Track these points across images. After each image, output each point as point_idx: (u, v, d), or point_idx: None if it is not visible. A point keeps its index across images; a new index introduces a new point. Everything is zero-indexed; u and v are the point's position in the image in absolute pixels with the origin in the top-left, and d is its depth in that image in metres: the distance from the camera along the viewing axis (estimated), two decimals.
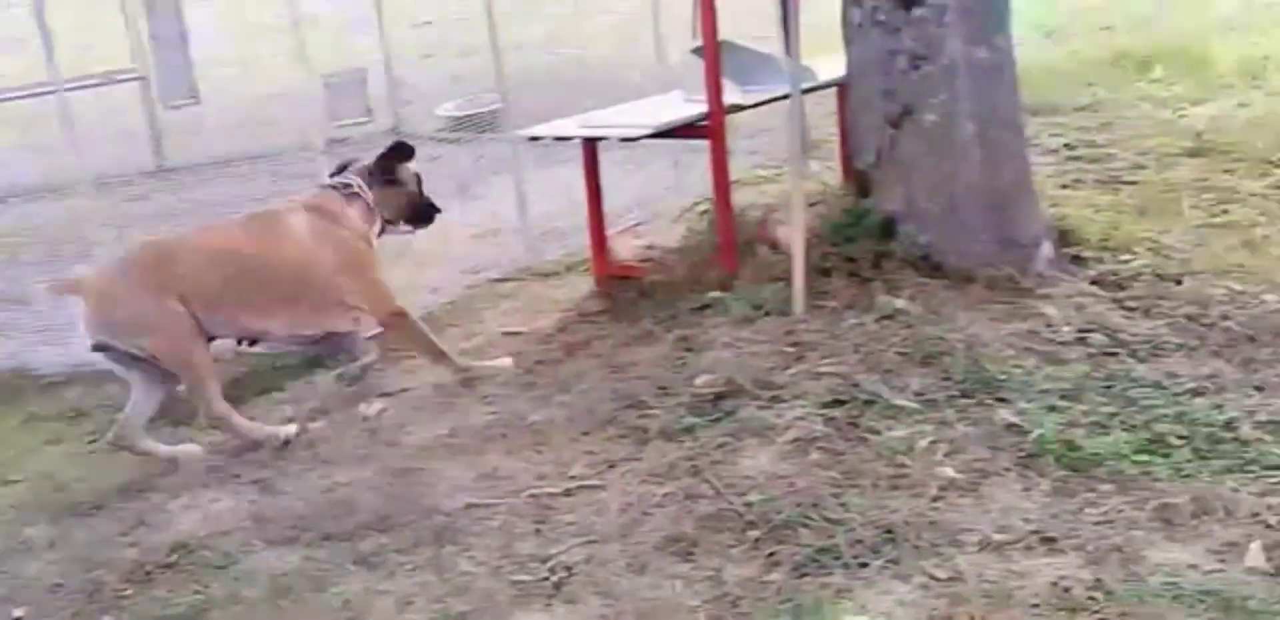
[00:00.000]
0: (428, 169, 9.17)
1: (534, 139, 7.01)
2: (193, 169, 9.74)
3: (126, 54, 10.65)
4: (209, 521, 4.97)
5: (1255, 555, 3.96)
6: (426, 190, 6.27)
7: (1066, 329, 5.61)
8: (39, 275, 7.95)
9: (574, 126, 6.76)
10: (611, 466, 4.96)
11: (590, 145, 6.84)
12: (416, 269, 7.56)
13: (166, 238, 6.00)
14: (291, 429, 5.61)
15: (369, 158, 6.16)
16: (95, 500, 5.29)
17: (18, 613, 4.52)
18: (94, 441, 5.81)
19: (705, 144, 6.61)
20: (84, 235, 7.21)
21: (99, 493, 5.36)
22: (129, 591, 4.56)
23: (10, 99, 9.96)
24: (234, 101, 11.71)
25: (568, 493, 4.81)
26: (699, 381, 5.43)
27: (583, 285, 7.13)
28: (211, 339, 5.67)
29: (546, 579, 4.25)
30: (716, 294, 6.23)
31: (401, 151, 6.14)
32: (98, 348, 5.56)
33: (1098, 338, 5.53)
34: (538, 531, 4.57)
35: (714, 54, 6.35)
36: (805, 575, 4.07)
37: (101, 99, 10.63)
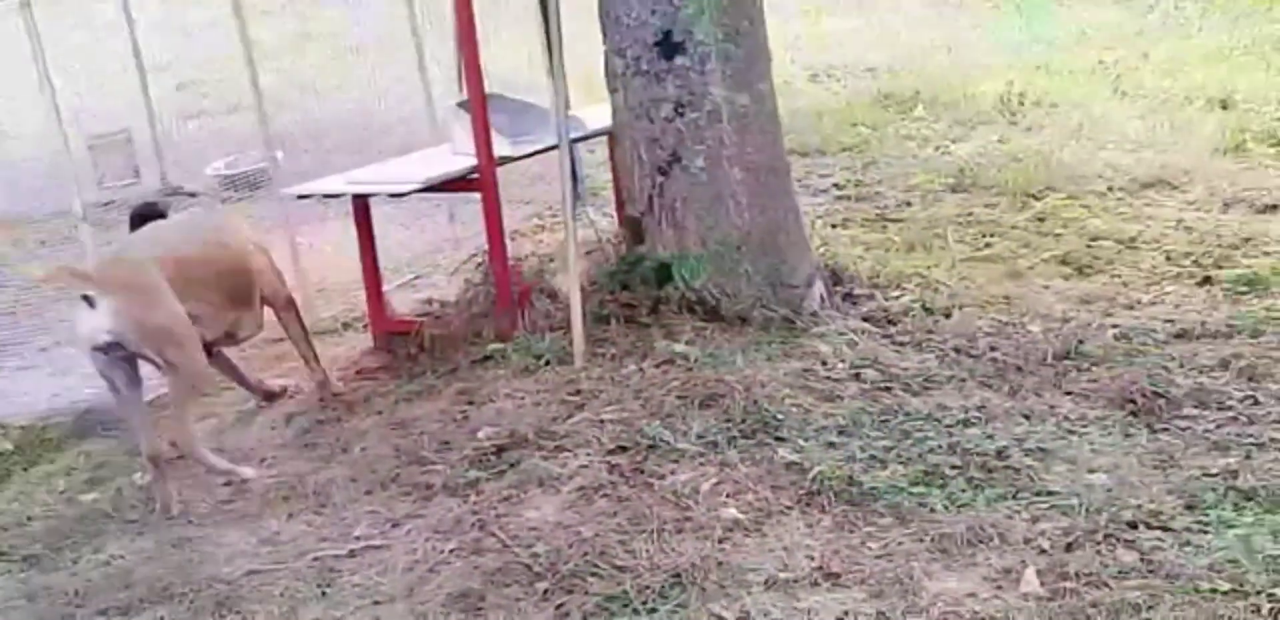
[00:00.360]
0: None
1: (303, 197, 6.93)
2: None
3: None
4: None
5: (1030, 581, 4.06)
6: None
7: (841, 366, 5.72)
8: None
9: (342, 183, 6.70)
10: (395, 525, 4.90)
11: (361, 201, 6.77)
12: None
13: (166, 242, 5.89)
14: (250, 471, 5.50)
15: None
16: None
17: None
18: None
19: (479, 196, 6.60)
20: None
21: None
22: None
23: None
24: None
25: (352, 554, 4.74)
26: (481, 434, 5.41)
27: (361, 342, 7.05)
28: None
29: None
30: (496, 346, 6.22)
31: None
32: (104, 348, 5.31)
33: (871, 373, 5.65)
34: (323, 594, 4.49)
35: (481, 106, 6.36)
36: None
37: None
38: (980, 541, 4.32)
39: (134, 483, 5.63)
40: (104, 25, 11.69)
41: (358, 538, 4.85)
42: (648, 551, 4.41)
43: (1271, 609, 3.80)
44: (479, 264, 6.86)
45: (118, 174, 9.95)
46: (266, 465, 5.58)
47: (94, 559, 5.01)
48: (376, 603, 4.37)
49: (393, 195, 6.64)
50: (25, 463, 5.95)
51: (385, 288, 7.17)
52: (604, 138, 7.68)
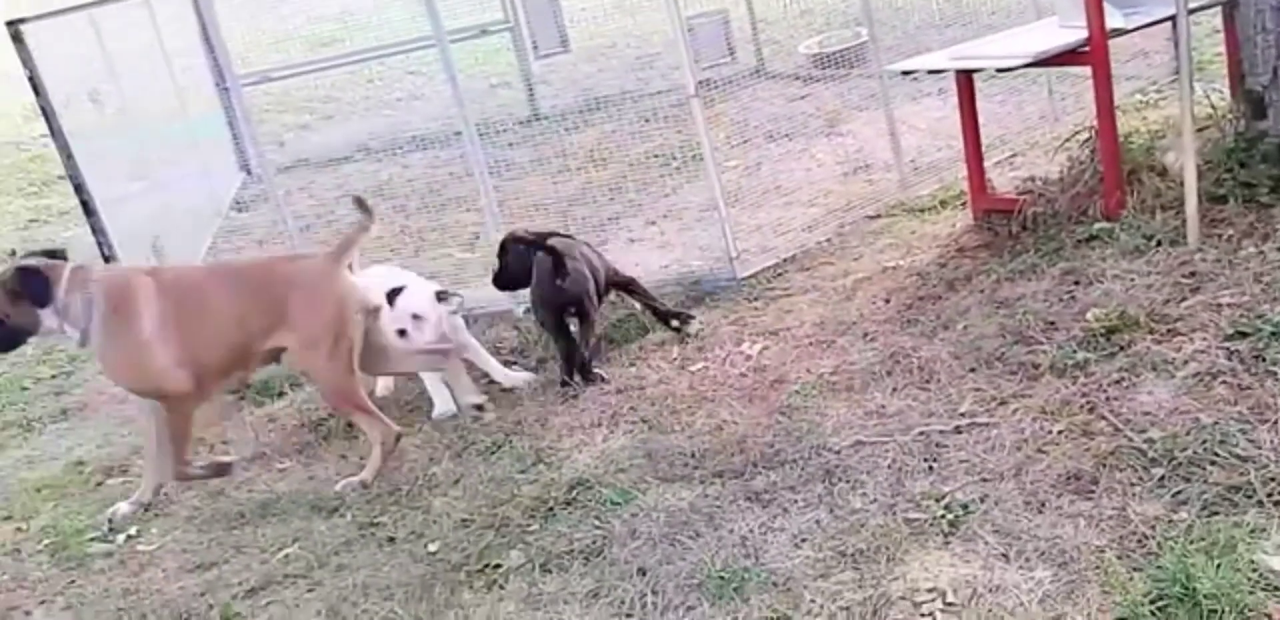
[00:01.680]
0: (793, 108, 9.21)
1: (906, 73, 6.88)
2: (565, 115, 9.91)
3: (498, 6, 10.92)
4: (604, 459, 5.10)
5: None
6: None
7: None
8: (425, 222, 8.30)
9: (945, 59, 6.61)
10: (1002, 403, 4.87)
11: (966, 77, 6.68)
12: (787, 208, 7.56)
13: None
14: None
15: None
16: (494, 439, 5.49)
17: (433, 547, 4.74)
18: (490, 381, 6.02)
19: (1080, 71, 6.38)
20: (467, 183, 7.50)
21: (496, 432, 5.55)
22: (533, 526, 4.72)
23: (395, 53, 10.39)
24: (601, 48, 11.90)
25: (958, 430, 4.75)
26: (1089, 315, 5.27)
27: (959, 219, 6.99)
28: None
29: (942, 517, 4.21)
30: (1103, 225, 6.04)
31: None
32: None
33: None
34: (930, 469, 4.53)
35: None
36: (1216, 514, 3.92)
37: (476, 50, 10.95)
38: None
39: (743, 353, 5.83)
40: None
41: (963, 414, 4.85)
42: (1272, 442, 4.20)
43: None
44: (1085, 140, 6.65)
45: (713, 54, 10.19)
46: (869, 340, 5.66)
47: (707, 423, 5.24)
48: (984, 480, 4.38)
49: (1000, 70, 6.50)
50: (640, 329, 6.25)
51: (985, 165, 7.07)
52: (1214, 8, 7.25)
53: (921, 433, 4.78)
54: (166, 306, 5.35)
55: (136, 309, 5.34)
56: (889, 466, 4.60)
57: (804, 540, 4.27)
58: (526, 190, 8.40)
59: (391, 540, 4.87)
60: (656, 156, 8.73)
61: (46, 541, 5.36)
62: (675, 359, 5.95)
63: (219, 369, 5.43)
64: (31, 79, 6.80)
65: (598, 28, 11.41)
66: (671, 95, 9.01)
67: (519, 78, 11.02)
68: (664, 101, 9.31)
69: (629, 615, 4.11)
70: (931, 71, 6.77)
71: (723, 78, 9.64)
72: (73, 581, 5.03)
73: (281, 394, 6.35)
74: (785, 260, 6.77)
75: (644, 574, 4.28)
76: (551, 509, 4.81)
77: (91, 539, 5.31)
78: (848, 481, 4.56)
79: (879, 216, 7.35)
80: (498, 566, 4.52)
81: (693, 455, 4.98)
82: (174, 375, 5.33)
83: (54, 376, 7.01)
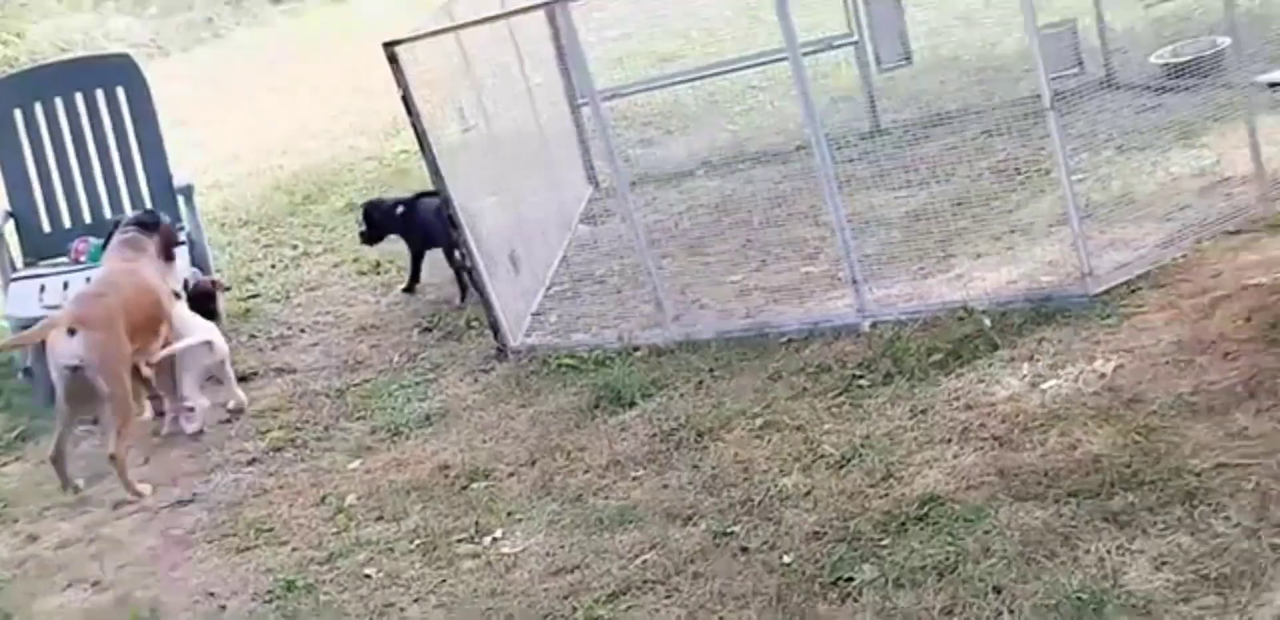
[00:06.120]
0: (1143, 119, 8.99)
1: (1274, 86, 6.65)
2: (907, 128, 9.89)
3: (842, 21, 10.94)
4: (954, 476, 5.13)
5: None
6: None
7: None
8: (770, 236, 8.40)
9: None
10: None
11: None
12: (1140, 224, 7.39)
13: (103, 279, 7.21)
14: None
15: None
16: (842, 452, 5.55)
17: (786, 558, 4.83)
18: (838, 395, 6.07)
19: None
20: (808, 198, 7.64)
21: (845, 445, 5.60)
22: (885, 541, 4.78)
23: (747, 67, 10.58)
24: (943, 61, 11.79)
25: None
26: None
27: None
28: None
29: None
30: None
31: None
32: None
33: None
34: None
35: None
36: None
37: (815, 64, 10.96)
38: None
39: (1096, 372, 5.74)
40: None
41: None
42: None
43: None
44: None
45: (1061, 63, 9.99)
46: (1230, 359, 5.51)
47: (1060, 442, 5.21)
48: None
49: None
50: (989, 346, 6.21)
51: None
52: None
53: None
54: None
55: None
56: (1253, 490, 4.52)
57: (1164, 563, 4.24)
58: (870, 204, 8.42)
59: (745, 550, 4.99)
60: (1000, 171, 8.64)
61: (417, 541, 5.65)
62: (1025, 376, 5.89)
63: None
64: (405, 98, 7.16)
65: (940, 39, 11.36)
66: (1016, 108, 8.90)
67: (861, 91, 11.02)
68: (1008, 114, 9.19)
69: None
70: None
71: (1070, 89, 9.45)
72: (443, 580, 5.30)
73: (632, 404, 6.51)
74: (1139, 277, 6.62)
75: (999, 592, 4.31)
76: (903, 524, 4.86)
77: (459, 540, 5.58)
78: (1209, 504, 4.51)
79: (1239, 232, 7.11)
80: (850, 580, 4.60)
81: (1046, 474, 4.97)
82: None
83: (418, 383, 7.33)
